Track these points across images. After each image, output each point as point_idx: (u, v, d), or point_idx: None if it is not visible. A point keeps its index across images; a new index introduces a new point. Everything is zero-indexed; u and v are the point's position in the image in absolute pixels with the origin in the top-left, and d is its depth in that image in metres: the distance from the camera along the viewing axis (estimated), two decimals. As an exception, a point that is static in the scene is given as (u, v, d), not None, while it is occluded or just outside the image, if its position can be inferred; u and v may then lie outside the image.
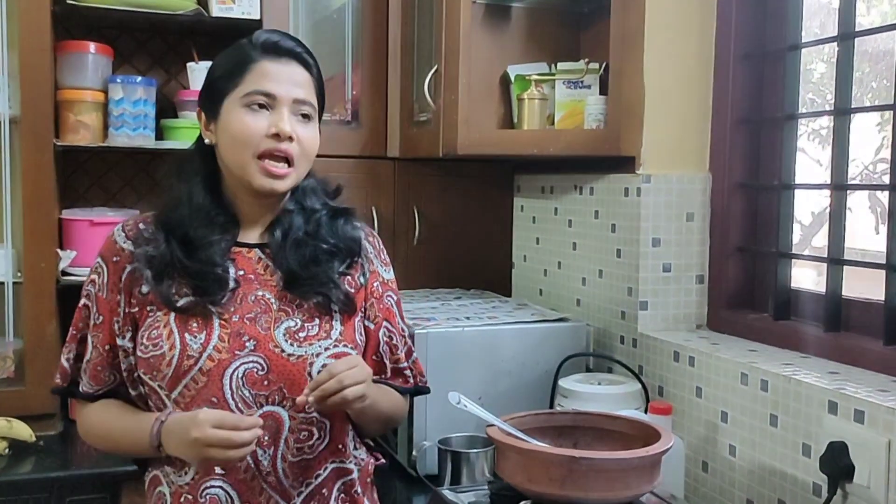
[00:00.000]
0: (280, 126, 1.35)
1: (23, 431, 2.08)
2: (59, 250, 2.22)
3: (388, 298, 1.53)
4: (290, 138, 1.36)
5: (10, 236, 2.17)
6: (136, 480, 1.89)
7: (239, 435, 1.25)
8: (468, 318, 2.12)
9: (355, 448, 1.47)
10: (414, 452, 1.94)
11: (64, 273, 2.23)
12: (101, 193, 2.55)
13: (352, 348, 1.42)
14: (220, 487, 1.34)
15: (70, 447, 2.14)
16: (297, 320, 1.39)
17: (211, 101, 1.41)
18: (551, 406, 2.00)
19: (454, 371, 1.99)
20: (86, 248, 2.26)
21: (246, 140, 1.36)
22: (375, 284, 1.51)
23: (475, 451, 1.85)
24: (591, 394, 1.91)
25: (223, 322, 1.36)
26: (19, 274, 2.17)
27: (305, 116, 1.40)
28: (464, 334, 2.03)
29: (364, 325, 1.49)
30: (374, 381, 1.42)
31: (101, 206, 2.50)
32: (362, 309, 1.48)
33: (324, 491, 1.41)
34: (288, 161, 1.38)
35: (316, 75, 1.44)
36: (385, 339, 1.51)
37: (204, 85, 1.45)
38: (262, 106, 1.36)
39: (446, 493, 1.68)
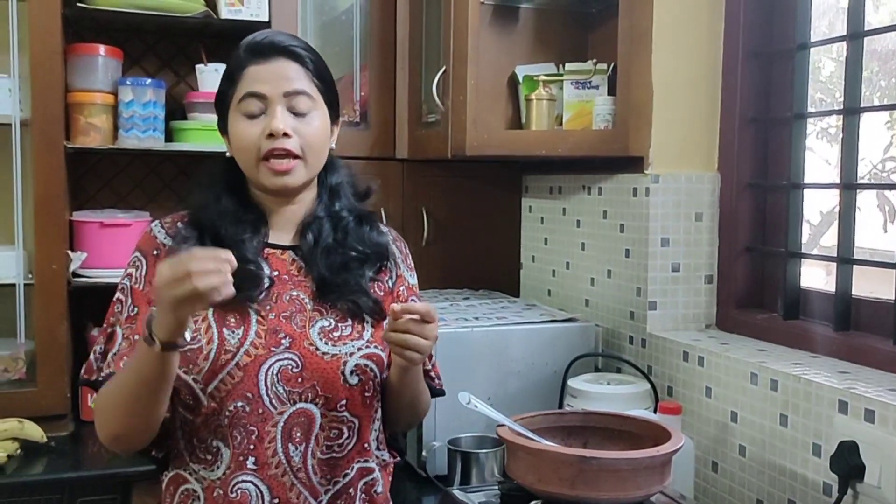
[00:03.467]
0: (272, 125, 1.37)
1: (34, 432, 2.08)
2: (69, 252, 2.23)
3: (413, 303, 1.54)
4: (285, 134, 1.37)
5: (22, 238, 2.18)
6: (147, 481, 1.91)
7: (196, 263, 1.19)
8: (477, 319, 2.12)
9: (378, 448, 1.48)
10: (424, 453, 1.95)
11: (75, 275, 2.24)
12: (111, 195, 2.55)
13: (382, 349, 1.44)
14: (251, 482, 1.35)
15: (81, 448, 2.15)
16: (331, 320, 1.41)
17: (220, 115, 1.46)
18: (560, 406, 2.00)
19: (464, 371, 1.99)
20: (96, 249, 2.27)
21: (247, 147, 1.39)
22: (402, 289, 1.53)
23: (485, 451, 1.85)
24: (601, 394, 1.92)
25: (260, 318, 1.38)
26: (30, 275, 2.18)
27: (301, 111, 1.40)
28: (473, 335, 2.04)
29: None
30: None
31: (111, 207, 2.50)
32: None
33: (350, 490, 1.42)
34: (291, 155, 1.39)
35: (312, 66, 1.43)
36: None
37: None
38: (254, 115, 1.39)
39: (456, 493, 1.68)
